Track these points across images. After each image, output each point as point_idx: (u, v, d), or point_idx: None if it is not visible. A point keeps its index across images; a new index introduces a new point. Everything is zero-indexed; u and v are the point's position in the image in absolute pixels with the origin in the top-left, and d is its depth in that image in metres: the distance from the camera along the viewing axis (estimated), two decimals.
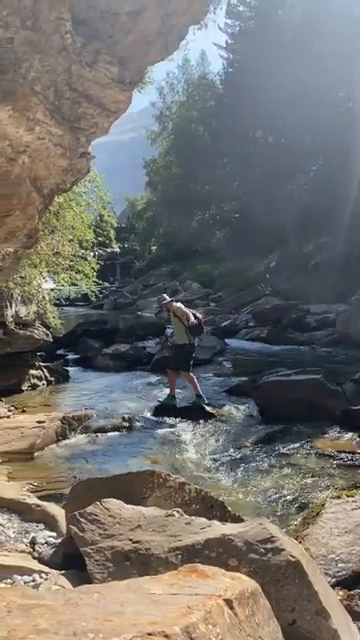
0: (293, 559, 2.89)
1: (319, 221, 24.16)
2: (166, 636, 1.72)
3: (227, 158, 36.97)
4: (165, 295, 9.65)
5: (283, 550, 2.96)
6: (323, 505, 4.38)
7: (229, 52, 36.09)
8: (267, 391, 8.42)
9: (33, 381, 10.14)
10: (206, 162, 37.19)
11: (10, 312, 9.33)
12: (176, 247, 38.12)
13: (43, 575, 3.40)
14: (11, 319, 9.27)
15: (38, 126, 2.25)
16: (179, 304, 8.93)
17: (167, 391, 9.88)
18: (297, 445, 6.86)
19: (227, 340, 15.77)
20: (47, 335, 10.58)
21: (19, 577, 3.35)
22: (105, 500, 3.54)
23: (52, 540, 4.11)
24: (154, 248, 43.95)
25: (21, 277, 8.92)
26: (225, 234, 36.15)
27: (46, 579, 3.32)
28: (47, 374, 10.56)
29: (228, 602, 2.03)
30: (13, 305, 9.47)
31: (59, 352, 13.36)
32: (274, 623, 2.22)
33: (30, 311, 9.85)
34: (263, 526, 3.16)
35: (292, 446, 6.84)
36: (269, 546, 3.06)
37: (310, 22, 26.93)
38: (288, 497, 5.34)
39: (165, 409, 8.48)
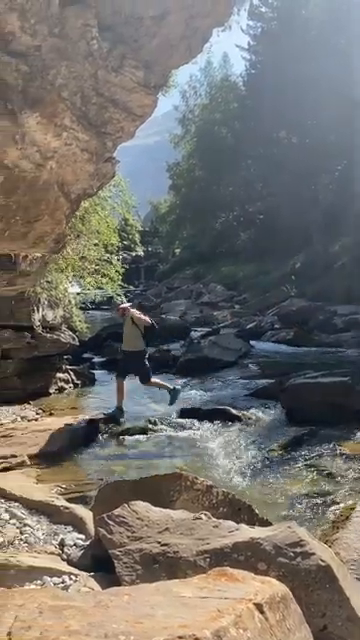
0: (323, 563, 2.85)
1: (344, 221, 23.87)
2: (197, 639, 1.72)
3: (250, 160, 36.83)
4: (123, 299, 9.42)
5: (313, 554, 2.92)
6: (353, 508, 4.31)
7: (251, 53, 35.97)
8: (294, 393, 8.34)
9: (60, 384, 10.24)
10: (229, 164, 37.09)
11: (37, 316, 9.45)
12: (200, 249, 38.07)
13: (72, 577, 3.43)
14: (38, 323, 9.40)
15: (65, 132, 2.27)
16: (135, 310, 8.77)
17: (192, 393, 9.90)
18: (325, 448, 6.77)
19: (252, 342, 15.67)
20: (73, 339, 10.68)
21: (49, 578, 3.39)
22: (133, 502, 3.55)
23: (80, 542, 4.14)
24: (178, 251, 43.98)
25: (48, 282, 9.04)
26: (249, 235, 35.98)
27: (75, 581, 3.35)
28: (74, 377, 10.66)
29: (258, 606, 2.02)
30: (40, 309, 9.59)
31: (85, 355, 13.47)
32: (305, 629, 2.19)
33: (57, 315, 9.97)
34: (292, 529, 3.13)
35: (319, 449, 6.75)
36: (298, 550, 3.03)
37: (334, 19, 26.68)
38: (316, 500, 5.28)
39: (189, 412, 8.46)
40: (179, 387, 8.91)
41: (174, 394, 8.65)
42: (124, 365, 8.63)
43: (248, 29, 35.07)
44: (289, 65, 28.10)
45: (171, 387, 8.69)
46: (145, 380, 8.55)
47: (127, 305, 8.96)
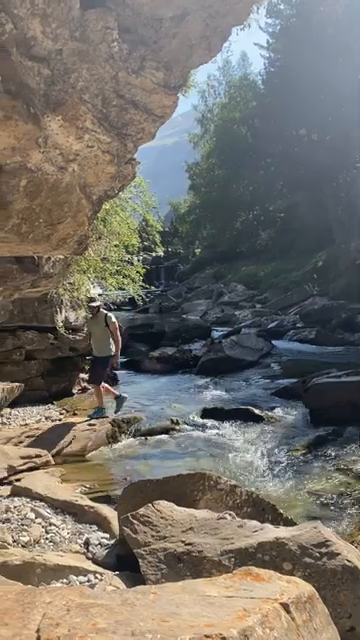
0: (350, 564, 2.83)
1: None
2: (223, 638, 1.72)
3: (270, 158, 36.58)
4: (96, 296, 9.07)
5: (339, 555, 2.90)
6: None
7: (270, 51, 35.70)
8: (317, 393, 8.27)
9: (83, 384, 10.33)
10: (249, 163, 36.94)
11: (60, 317, 9.55)
12: (220, 249, 38.02)
13: (98, 575, 3.46)
14: (61, 324, 9.49)
15: (87, 134, 2.29)
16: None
17: (214, 393, 9.89)
18: (349, 448, 6.70)
19: (274, 342, 15.58)
20: None
21: (75, 577, 3.42)
22: (157, 502, 3.56)
23: (105, 541, 4.17)
24: (198, 251, 43.98)
25: (70, 283, 9.12)
26: (270, 234, 35.80)
27: (101, 579, 3.38)
28: (115, 323, 10.66)
29: (285, 606, 2.01)
30: (63, 311, 9.69)
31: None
32: (333, 629, 2.18)
33: (79, 316, 10.06)
34: (317, 530, 3.11)
35: (343, 449, 6.68)
36: (324, 550, 3.01)
37: (354, 15, 26.35)
38: (341, 501, 5.23)
39: (211, 412, 8.45)
40: (126, 395, 8.65)
41: (119, 401, 8.45)
42: (95, 370, 8.40)
43: (267, 27, 34.83)
44: (308, 62, 27.85)
45: (117, 394, 8.51)
46: (95, 382, 8.34)
47: (100, 304, 8.52)
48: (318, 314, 18.88)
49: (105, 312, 8.29)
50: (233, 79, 41.43)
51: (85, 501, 4.88)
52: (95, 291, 10.73)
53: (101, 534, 4.31)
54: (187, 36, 2.51)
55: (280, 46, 33.92)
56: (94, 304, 8.29)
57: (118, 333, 8.27)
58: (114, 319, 8.26)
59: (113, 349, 8.20)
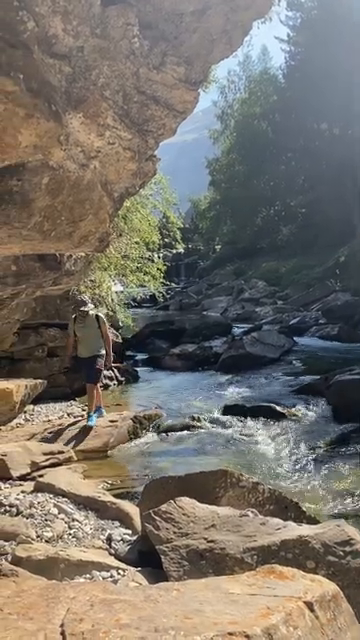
0: None
1: None
2: (247, 636, 1.71)
3: (291, 153, 36.27)
4: (85, 297, 8.29)
5: None
6: None
7: (291, 45, 35.35)
8: (340, 390, 8.18)
9: (104, 381, 10.39)
10: (269, 158, 36.66)
11: None
12: (241, 245, 37.81)
13: (120, 571, 3.47)
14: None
15: (108, 131, 2.29)
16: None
17: (235, 390, 9.82)
18: None
19: (296, 338, 15.46)
20: (117, 336, 10.82)
21: (97, 572, 3.45)
22: (179, 499, 3.56)
23: (127, 537, 4.19)
24: (218, 247, 43.83)
25: (91, 280, 9.17)
26: (291, 230, 35.48)
27: (123, 575, 3.39)
28: (117, 374, 10.79)
29: (309, 605, 1.99)
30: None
31: (128, 353, 13.62)
32: (358, 628, 2.15)
33: (100, 313, 10.11)
34: (341, 528, 3.08)
35: None
36: (348, 549, 2.98)
37: None
38: None
39: (232, 409, 8.42)
40: (104, 411, 7.75)
41: (97, 413, 7.56)
42: (89, 370, 7.71)
43: (287, 20, 34.47)
44: (330, 55, 27.49)
45: (96, 407, 7.55)
46: (94, 381, 7.65)
47: (91, 306, 8.04)
48: (341, 310, 18.65)
49: (95, 313, 7.93)
50: (253, 74, 41.08)
51: (107, 497, 4.91)
52: (116, 288, 10.79)
53: (123, 530, 4.33)
54: (208, 31, 2.49)
55: (301, 39, 33.56)
56: (86, 308, 7.72)
57: (108, 333, 7.99)
58: (104, 319, 7.99)
59: (103, 350, 7.74)
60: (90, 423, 7.15)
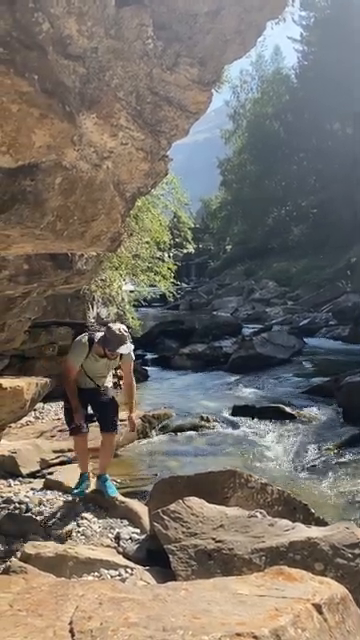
0: None
1: None
2: (255, 637, 1.71)
3: (303, 153, 36.18)
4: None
5: None
6: None
7: (304, 44, 35.28)
8: (350, 392, 8.14)
9: (114, 380, 10.41)
10: (281, 158, 36.58)
11: (92, 314, 9.64)
12: (251, 245, 37.74)
13: (128, 570, 3.48)
14: (93, 320, 9.58)
15: (121, 131, 2.30)
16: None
17: (244, 390, 9.77)
18: None
19: (306, 339, 15.41)
20: None
21: (106, 571, 3.46)
22: (187, 498, 3.57)
23: (136, 536, 4.20)
24: (229, 247, 43.78)
25: (102, 280, 9.20)
26: (302, 230, 35.36)
27: (131, 574, 3.40)
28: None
29: (317, 607, 1.99)
30: (95, 307, 9.78)
31: (138, 352, 13.61)
32: None
33: (111, 312, 10.14)
34: (350, 530, 3.07)
35: None
36: (357, 551, 2.97)
37: None
38: None
39: (241, 409, 8.40)
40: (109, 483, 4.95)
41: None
42: (107, 413, 5.02)
43: (300, 20, 34.42)
44: (343, 54, 27.37)
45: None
46: (110, 429, 4.98)
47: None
48: (351, 311, 18.55)
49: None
50: (266, 73, 40.99)
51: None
52: (127, 287, 10.80)
53: (132, 529, 4.34)
54: (221, 31, 2.48)
55: (314, 39, 33.46)
56: (121, 350, 4.73)
57: (132, 375, 5.32)
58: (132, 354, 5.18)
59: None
60: (111, 492, 4.78)
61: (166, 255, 11.58)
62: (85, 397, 4.94)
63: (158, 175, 3.04)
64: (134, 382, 5.27)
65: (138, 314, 11.98)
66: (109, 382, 5.18)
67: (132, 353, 5.00)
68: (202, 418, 7.98)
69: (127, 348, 4.75)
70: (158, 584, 2.77)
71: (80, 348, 4.80)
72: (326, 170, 32.62)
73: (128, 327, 10.85)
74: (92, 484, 4.97)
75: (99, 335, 4.75)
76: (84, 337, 4.83)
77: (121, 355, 4.88)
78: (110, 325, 4.76)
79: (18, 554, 3.68)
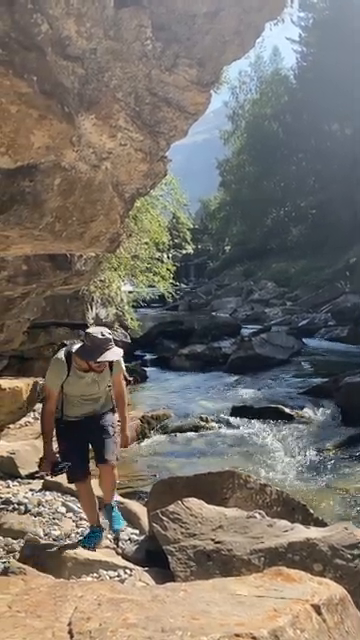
0: None
1: None
2: (254, 638, 1.71)
3: (302, 153, 36.21)
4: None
5: None
6: None
7: (302, 45, 35.28)
8: (349, 392, 8.15)
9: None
10: (280, 159, 36.59)
11: (91, 314, 9.64)
12: (250, 246, 37.74)
13: (127, 571, 3.48)
14: (92, 321, 9.58)
15: (120, 132, 2.30)
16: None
17: (244, 391, 9.77)
18: None
19: (305, 340, 15.42)
20: (125, 336, 10.83)
21: (105, 571, 3.46)
22: (186, 499, 3.57)
23: (135, 537, 4.19)
24: (228, 248, 43.78)
25: (101, 280, 9.21)
26: (301, 231, 35.38)
27: (130, 575, 3.40)
28: (126, 374, 10.80)
29: (316, 607, 1.99)
30: (94, 307, 9.78)
31: (137, 353, 13.64)
32: None
33: (109, 313, 10.14)
34: (349, 531, 3.07)
35: None
36: (356, 552, 2.97)
37: None
38: None
39: (240, 410, 8.40)
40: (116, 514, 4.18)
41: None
42: (106, 443, 3.96)
43: (299, 20, 34.41)
44: (341, 55, 27.39)
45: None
46: (109, 458, 3.95)
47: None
48: (350, 312, 18.56)
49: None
50: (265, 74, 41.03)
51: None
52: (125, 288, 10.81)
53: (131, 530, 4.34)
54: (220, 32, 2.49)
55: (313, 40, 33.48)
56: (108, 358, 3.72)
57: (124, 386, 4.42)
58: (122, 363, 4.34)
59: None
60: (116, 526, 4.06)
61: (165, 256, 11.59)
62: (80, 432, 3.87)
63: (157, 176, 3.04)
64: (125, 392, 4.33)
65: (137, 315, 11.99)
66: (107, 406, 4.11)
67: (122, 360, 3.98)
68: (201, 419, 7.98)
69: (114, 354, 3.71)
70: (157, 585, 2.77)
71: (56, 365, 3.81)
72: (325, 171, 32.65)
73: (127, 328, 10.96)
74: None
75: (77, 346, 3.79)
76: (60, 352, 3.91)
77: (111, 364, 3.87)
78: (89, 330, 3.77)
79: (17, 555, 3.67)
